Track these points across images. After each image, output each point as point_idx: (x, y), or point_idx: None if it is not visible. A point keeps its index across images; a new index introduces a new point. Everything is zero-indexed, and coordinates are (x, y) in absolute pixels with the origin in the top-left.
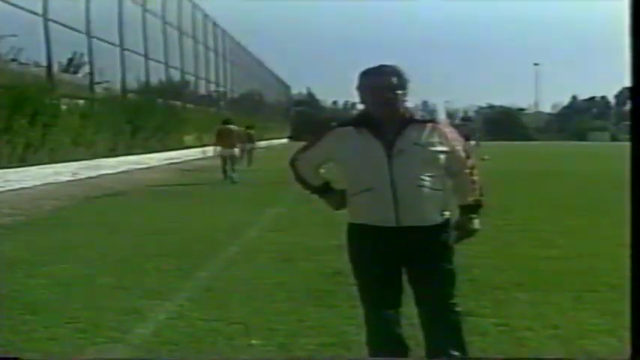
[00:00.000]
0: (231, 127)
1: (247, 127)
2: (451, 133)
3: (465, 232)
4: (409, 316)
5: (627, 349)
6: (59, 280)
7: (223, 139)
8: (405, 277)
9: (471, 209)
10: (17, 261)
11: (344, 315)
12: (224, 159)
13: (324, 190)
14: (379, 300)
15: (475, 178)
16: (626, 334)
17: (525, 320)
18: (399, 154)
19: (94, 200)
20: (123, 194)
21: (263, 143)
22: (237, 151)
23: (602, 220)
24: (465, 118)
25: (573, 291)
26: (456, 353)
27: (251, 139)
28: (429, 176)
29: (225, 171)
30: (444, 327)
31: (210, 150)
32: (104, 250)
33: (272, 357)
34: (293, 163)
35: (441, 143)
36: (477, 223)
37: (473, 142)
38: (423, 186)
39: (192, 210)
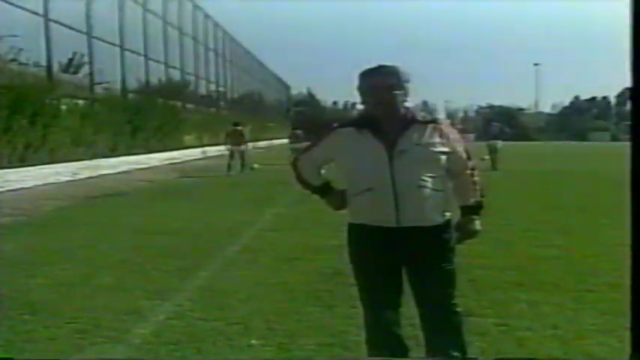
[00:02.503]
0: (239, 128)
1: (293, 129)
2: (452, 133)
3: (466, 233)
4: (409, 316)
5: (627, 349)
6: (59, 280)
7: (232, 138)
8: (405, 278)
9: (472, 210)
10: (17, 261)
11: (344, 315)
12: (232, 155)
13: (325, 190)
14: (379, 300)
15: (476, 179)
16: (626, 334)
17: (525, 320)
18: (400, 155)
19: (94, 200)
20: (123, 194)
21: (263, 143)
22: (243, 147)
23: (602, 220)
24: (491, 119)
25: (573, 291)
26: (456, 354)
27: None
28: (430, 177)
29: (229, 165)
30: (445, 327)
31: (209, 149)
32: (104, 250)
33: (271, 357)
34: (294, 163)
35: (442, 144)
36: (478, 224)
37: (500, 142)
38: (424, 186)
39: (192, 210)
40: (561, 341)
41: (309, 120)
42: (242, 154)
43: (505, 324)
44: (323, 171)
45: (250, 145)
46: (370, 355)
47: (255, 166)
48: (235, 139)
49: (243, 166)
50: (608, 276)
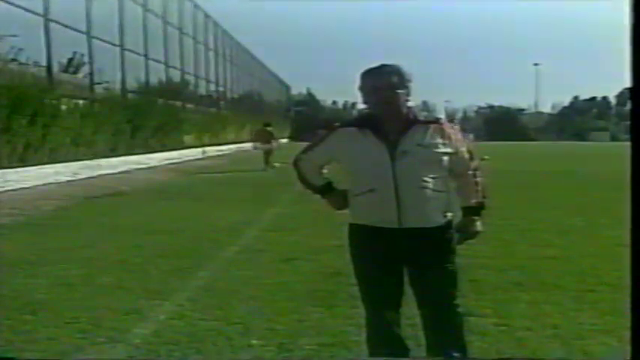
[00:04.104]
0: (269, 129)
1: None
2: (455, 133)
3: (468, 234)
4: (409, 316)
5: (627, 349)
6: (59, 280)
7: (263, 137)
8: (406, 278)
9: (473, 211)
10: (17, 261)
11: (344, 315)
12: (265, 152)
13: (327, 190)
14: (380, 300)
15: (479, 179)
16: (626, 334)
17: (525, 320)
18: (402, 156)
19: (94, 200)
20: (123, 194)
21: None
22: (271, 146)
23: (602, 220)
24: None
25: (573, 291)
26: (457, 354)
27: None
28: (432, 177)
29: (266, 161)
30: (446, 328)
31: (209, 149)
32: (104, 250)
33: (272, 357)
34: (296, 163)
35: (444, 144)
36: (479, 225)
37: None
38: (425, 187)
39: (192, 210)
40: (561, 341)
41: (309, 120)
42: (269, 151)
43: (505, 324)
44: (325, 170)
45: (277, 143)
46: (370, 355)
47: (276, 164)
48: (265, 138)
49: (267, 162)
50: (608, 276)
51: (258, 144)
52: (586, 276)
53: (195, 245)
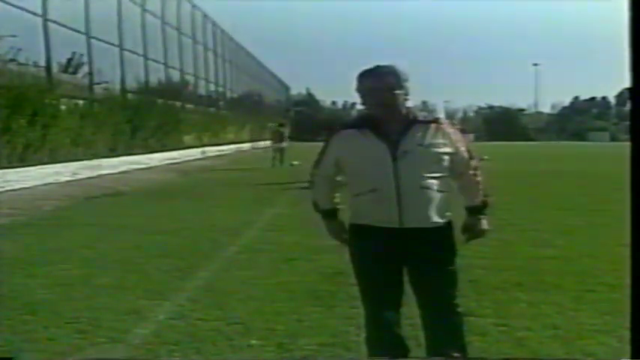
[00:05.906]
0: (282, 129)
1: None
2: (455, 133)
3: (475, 233)
4: (409, 316)
5: (627, 349)
6: (59, 280)
7: (276, 137)
8: (406, 278)
9: (478, 210)
10: (17, 261)
11: (344, 315)
12: (275, 150)
13: (329, 215)
14: (380, 300)
15: (479, 178)
16: (626, 334)
17: (525, 320)
18: (403, 156)
19: (94, 200)
20: (123, 194)
21: (262, 144)
22: (284, 145)
23: (602, 220)
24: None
25: (573, 291)
26: (457, 354)
27: None
28: (433, 177)
29: (273, 159)
30: (446, 328)
31: (208, 149)
32: (104, 250)
33: (271, 357)
34: (311, 180)
35: (444, 144)
36: (485, 224)
37: None
38: (427, 187)
39: (192, 210)
40: (561, 341)
41: (309, 120)
42: (282, 150)
43: (505, 324)
44: (338, 194)
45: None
46: (370, 355)
47: (295, 162)
48: (278, 137)
49: (282, 161)
50: (608, 276)
51: (269, 142)
52: (586, 276)
53: (195, 245)
